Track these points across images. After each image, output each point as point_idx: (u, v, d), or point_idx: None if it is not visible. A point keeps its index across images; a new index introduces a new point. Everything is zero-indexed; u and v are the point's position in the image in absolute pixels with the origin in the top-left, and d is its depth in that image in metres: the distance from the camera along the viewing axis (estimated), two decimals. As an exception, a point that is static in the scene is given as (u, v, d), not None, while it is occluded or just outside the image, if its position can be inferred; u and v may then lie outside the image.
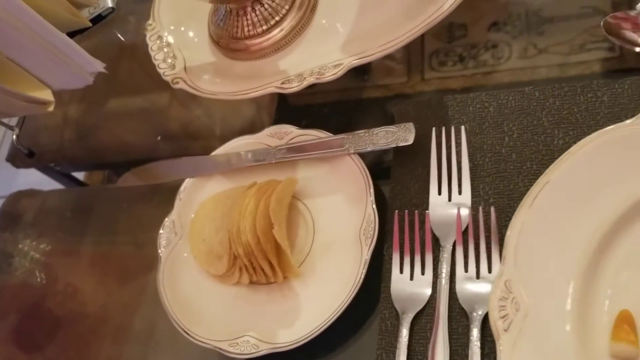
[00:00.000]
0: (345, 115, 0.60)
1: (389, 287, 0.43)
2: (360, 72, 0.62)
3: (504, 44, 0.57)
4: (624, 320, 0.36)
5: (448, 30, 0.61)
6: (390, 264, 0.44)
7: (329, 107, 0.62)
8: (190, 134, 0.70)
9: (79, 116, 0.79)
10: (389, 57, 0.60)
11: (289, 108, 0.65)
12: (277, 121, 0.61)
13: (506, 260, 0.39)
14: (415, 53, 0.61)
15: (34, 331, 0.63)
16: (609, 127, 0.40)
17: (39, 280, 0.67)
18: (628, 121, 0.40)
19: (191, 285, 0.49)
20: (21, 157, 0.76)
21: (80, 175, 0.83)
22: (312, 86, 0.57)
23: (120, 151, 0.74)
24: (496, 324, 0.37)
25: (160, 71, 0.59)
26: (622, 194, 0.38)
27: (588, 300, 0.37)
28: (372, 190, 0.45)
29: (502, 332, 0.37)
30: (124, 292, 0.62)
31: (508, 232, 0.40)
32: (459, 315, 0.41)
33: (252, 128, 0.60)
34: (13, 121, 0.78)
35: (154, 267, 0.53)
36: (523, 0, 0.58)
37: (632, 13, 0.44)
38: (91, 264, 0.66)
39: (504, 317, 0.37)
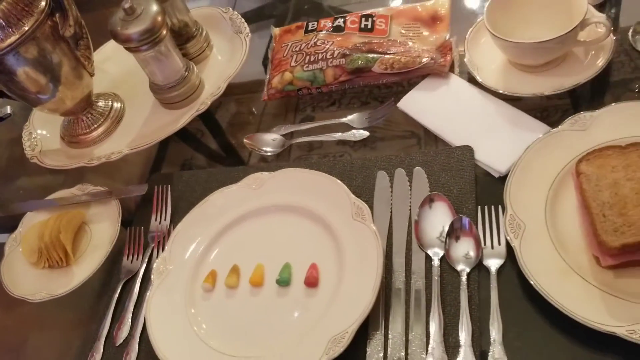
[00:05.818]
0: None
1: (120, 268, 0.82)
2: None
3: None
4: (210, 274, 0.75)
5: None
6: (122, 255, 0.83)
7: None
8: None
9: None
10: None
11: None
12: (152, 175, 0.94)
13: (166, 248, 0.79)
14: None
15: None
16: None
17: None
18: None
19: (19, 269, 0.86)
20: None
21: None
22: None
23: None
24: (152, 278, 0.76)
25: (25, 152, 0.99)
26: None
27: (203, 261, 0.77)
28: (120, 218, 0.85)
29: (155, 280, 0.76)
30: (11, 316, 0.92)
31: (171, 235, 0.80)
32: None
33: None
34: None
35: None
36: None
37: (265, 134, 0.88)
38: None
39: (159, 273, 0.77)
